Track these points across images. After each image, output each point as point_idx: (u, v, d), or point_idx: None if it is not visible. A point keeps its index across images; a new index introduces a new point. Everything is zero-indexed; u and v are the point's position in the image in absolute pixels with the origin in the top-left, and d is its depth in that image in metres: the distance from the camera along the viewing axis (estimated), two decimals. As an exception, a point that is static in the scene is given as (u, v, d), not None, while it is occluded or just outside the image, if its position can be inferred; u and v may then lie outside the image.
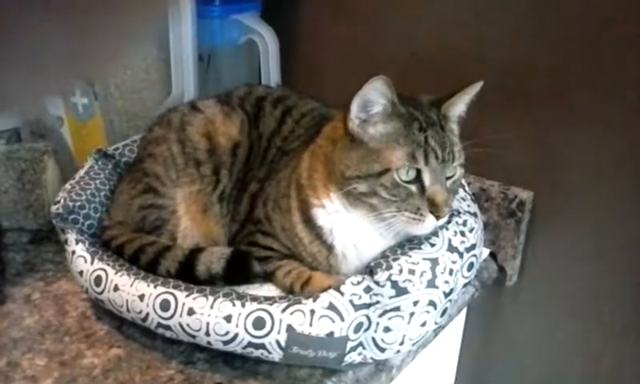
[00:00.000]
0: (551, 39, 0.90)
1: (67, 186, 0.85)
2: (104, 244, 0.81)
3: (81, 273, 0.75)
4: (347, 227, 0.72)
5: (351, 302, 0.65)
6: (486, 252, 1.01)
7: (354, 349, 0.67)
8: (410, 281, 0.66)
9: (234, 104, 0.84)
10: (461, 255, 0.72)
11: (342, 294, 0.65)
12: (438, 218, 0.67)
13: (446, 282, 0.69)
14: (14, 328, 0.78)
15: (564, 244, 0.97)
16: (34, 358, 0.72)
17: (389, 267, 0.66)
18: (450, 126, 0.72)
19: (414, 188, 0.67)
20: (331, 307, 0.65)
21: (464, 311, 1.07)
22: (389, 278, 0.65)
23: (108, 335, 0.77)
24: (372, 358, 0.69)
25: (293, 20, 1.21)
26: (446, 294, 0.69)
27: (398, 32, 1.05)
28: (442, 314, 0.71)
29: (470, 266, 0.78)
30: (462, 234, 0.74)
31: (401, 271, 0.66)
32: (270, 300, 0.67)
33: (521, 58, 0.93)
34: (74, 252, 0.77)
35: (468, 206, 0.80)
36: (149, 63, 1.01)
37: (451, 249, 0.71)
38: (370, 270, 0.66)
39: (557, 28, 0.89)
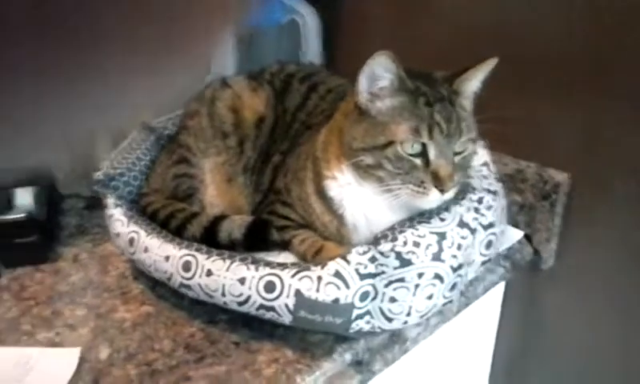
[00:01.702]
0: (594, 16, 0.87)
1: (111, 155, 0.91)
2: (141, 209, 0.87)
3: (117, 235, 0.82)
4: (357, 199, 0.74)
5: (357, 270, 0.67)
6: (519, 234, 0.99)
7: (360, 317, 0.69)
8: (414, 253, 0.67)
9: (263, 80, 0.87)
10: (473, 231, 0.73)
11: (348, 262, 0.67)
12: (442, 191, 0.68)
13: (454, 256, 0.70)
14: (62, 283, 0.85)
15: (602, 230, 0.94)
16: (75, 309, 0.80)
17: (394, 239, 0.68)
18: (461, 101, 0.72)
19: (418, 161, 0.68)
20: (337, 275, 0.67)
21: (499, 294, 1.07)
22: (392, 249, 0.67)
23: (141, 294, 0.83)
24: (380, 328, 0.71)
25: (337, 1, 1.23)
26: (454, 269, 0.70)
27: (443, 10, 1.05)
28: (452, 289, 0.72)
29: (489, 244, 0.79)
30: (477, 210, 0.74)
31: (405, 243, 0.67)
32: (282, 266, 0.70)
33: (563, 35, 0.91)
34: (112, 215, 0.83)
35: (489, 184, 0.80)
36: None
37: (462, 224, 0.71)
38: (376, 241, 0.68)
39: (600, 3, 0.86)
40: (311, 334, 0.74)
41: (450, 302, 0.74)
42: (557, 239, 0.99)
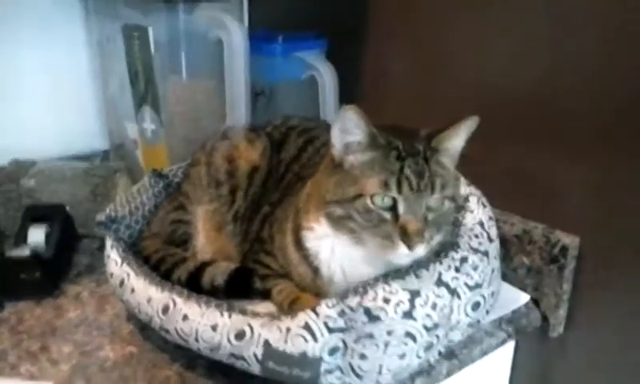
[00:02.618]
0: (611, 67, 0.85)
1: (117, 199, 0.95)
2: (138, 252, 0.89)
3: (111, 275, 0.84)
4: (334, 251, 0.74)
5: (326, 324, 0.66)
6: (525, 297, 0.95)
7: (330, 371, 0.67)
8: (382, 309, 0.65)
9: (261, 132, 0.89)
10: (452, 291, 0.70)
11: (317, 314, 0.66)
12: (409, 247, 0.66)
13: (428, 315, 0.67)
14: (58, 319, 0.88)
15: (615, 296, 0.89)
16: (63, 345, 0.82)
17: (363, 293, 0.66)
18: (438, 158, 0.71)
19: (387, 215, 0.67)
20: (306, 327, 0.66)
21: (506, 360, 1.02)
22: (360, 304, 0.65)
23: (130, 334, 0.84)
24: (351, 384, 0.69)
25: (359, 58, 1.25)
26: (428, 328, 0.68)
27: (456, 69, 1.05)
28: (427, 349, 0.69)
29: (476, 306, 0.76)
30: (457, 269, 0.72)
31: (375, 298, 0.66)
32: (255, 315, 0.70)
33: (578, 90, 0.88)
34: (108, 256, 0.86)
35: (479, 243, 0.78)
36: (209, 94, 1.11)
37: (439, 283, 0.69)
38: (344, 294, 0.67)
39: (619, 68, 0.84)
40: (285, 386, 0.72)
41: (428, 363, 0.71)
42: (566, 305, 0.94)
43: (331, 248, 0.74)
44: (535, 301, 0.96)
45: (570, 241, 0.90)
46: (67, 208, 1.08)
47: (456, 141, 0.72)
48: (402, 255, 0.67)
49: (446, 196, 0.70)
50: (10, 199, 1.10)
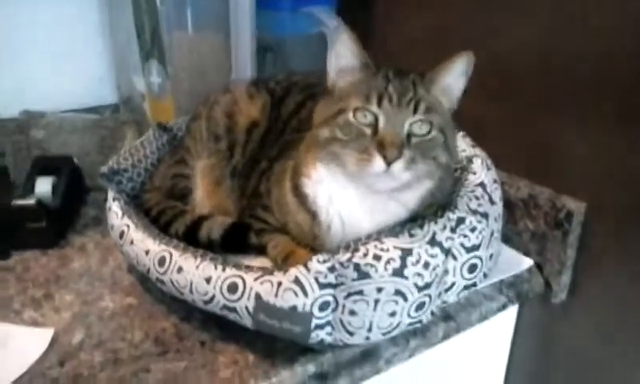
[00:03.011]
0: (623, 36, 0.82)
1: (121, 151, 0.95)
2: (140, 205, 0.90)
3: (112, 227, 0.85)
4: (331, 197, 0.74)
5: (316, 279, 0.66)
6: (528, 262, 0.94)
7: (320, 327, 0.68)
8: (372, 266, 0.65)
9: (264, 87, 0.88)
10: (446, 251, 0.69)
11: (308, 270, 0.66)
12: (385, 158, 0.65)
13: (418, 274, 0.67)
14: (62, 268, 0.90)
15: (620, 264, 0.87)
16: (65, 294, 0.83)
17: (355, 250, 0.66)
18: (428, 86, 0.71)
19: (367, 130, 0.68)
20: (296, 281, 0.66)
21: (509, 324, 1.01)
22: (350, 260, 0.65)
23: (130, 285, 0.85)
24: (342, 341, 0.70)
25: (369, 17, 1.22)
26: (420, 287, 0.67)
27: (478, 30, 1.02)
28: (419, 309, 0.69)
29: (473, 268, 0.75)
30: (453, 230, 0.71)
31: (365, 255, 0.65)
32: (248, 268, 0.71)
33: (592, 54, 0.85)
34: (109, 208, 0.86)
35: (478, 205, 0.76)
36: (215, 48, 1.10)
37: (433, 242, 0.69)
38: (336, 250, 0.67)
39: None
40: (279, 341, 0.73)
41: (420, 322, 0.71)
42: (570, 272, 0.93)
43: (328, 193, 0.74)
44: (539, 266, 0.95)
45: (576, 207, 0.89)
46: (75, 160, 1.09)
47: (448, 77, 0.71)
48: (379, 169, 0.66)
49: (432, 122, 0.68)
50: (19, 150, 1.11)
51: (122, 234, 0.82)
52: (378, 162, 0.65)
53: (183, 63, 1.08)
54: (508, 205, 0.96)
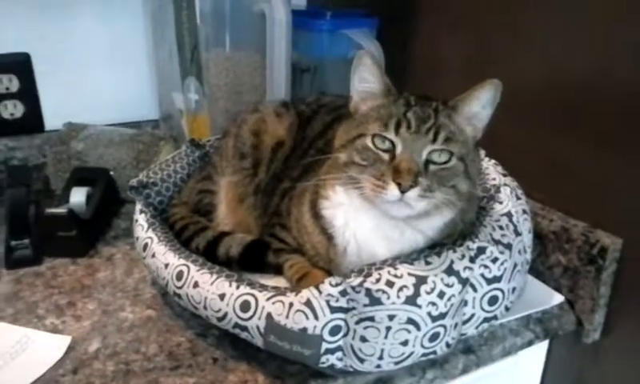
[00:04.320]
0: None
1: (152, 165, 0.97)
2: (166, 219, 0.91)
3: (137, 239, 0.86)
4: (348, 220, 0.73)
5: (328, 302, 0.65)
6: (558, 298, 0.90)
7: (331, 351, 0.66)
8: (384, 292, 0.64)
9: (293, 107, 0.89)
10: (463, 281, 0.67)
11: (320, 292, 0.65)
12: (399, 186, 0.63)
13: (432, 303, 0.65)
14: (88, 278, 0.91)
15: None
16: (88, 302, 0.85)
17: (367, 274, 0.65)
18: (451, 114, 0.69)
19: (385, 156, 0.67)
20: (307, 303, 0.65)
21: (538, 362, 0.97)
22: (362, 284, 0.64)
23: (151, 298, 0.86)
24: (352, 367, 0.68)
25: (408, 39, 1.21)
26: (433, 317, 0.65)
27: (510, 55, 1.00)
28: (433, 339, 0.67)
29: (493, 300, 0.73)
30: (472, 259, 0.68)
31: (378, 280, 0.64)
32: (263, 287, 0.70)
33: (631, 86, 0.82)
34: (136, 220, 0.88)
35: (502, 235, 0.74)
36: (251, 67, 1.11)
37: (450, 271, 0.66)
38: (349, 274, 0.66)
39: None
40: (290, 363, 0.72)
41: (434, 353, 0.69)
42: (604, 311, 0.88)
43: (345, 217, 0.73)
44: (570, 303, 0.91)
45: (611, 242, 0.85)
46: (111, 172, 1.11)
47: (474, 105, 0.69)
48: (393, 197, 0.64)
49: (452, 151, 0.67)
50: (60, 160, 1.15)
51: (145, 247, 0.83)
52: (393, 190, 0.64)
53: (220, 81, 1.10)
54: (540, 237, 0.93)
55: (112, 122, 1.28)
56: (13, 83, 1.18)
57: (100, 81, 1.31)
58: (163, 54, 1.23)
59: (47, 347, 0.74)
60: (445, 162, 0.67)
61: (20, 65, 1.18)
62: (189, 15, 1.08)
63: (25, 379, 0.69)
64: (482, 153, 0.89)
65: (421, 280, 0.65)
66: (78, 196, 1.00)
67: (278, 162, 0.86)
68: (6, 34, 1.17)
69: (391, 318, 0.64)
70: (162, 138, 1.15)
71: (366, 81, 0.71)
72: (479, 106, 0.69)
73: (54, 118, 1.24)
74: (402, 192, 0.64)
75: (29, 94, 1.21)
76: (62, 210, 0.95)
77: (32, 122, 1.22)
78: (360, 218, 0.72)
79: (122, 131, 1.18)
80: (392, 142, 0.66)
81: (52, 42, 1.22)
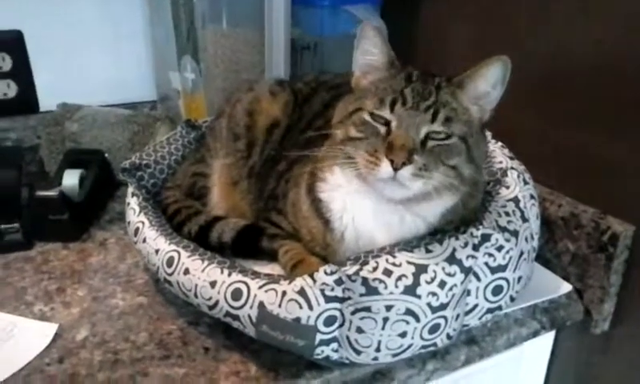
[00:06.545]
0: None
1: (146, 147, 0.94)
2: (159, 202, 0.88)
3: (129, 223, 0.83)
4: (346, 204, 0.70)
5: (322, 291, 0.62)
6: (566, 287, 0.87)
7: (326, 343, 0.63)
8: (381, 282, 0.60)
9: (289, 86, 0.85)
10: (466, 270, 0.64)
11: (314, 281, 0.62)
12: (392, 162, 0.60)
13: (433, 293, 0.61)
14: (79, 263, 0.89)
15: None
16: (78, 288, 0.82)
17: (364, 263, 0.61)
18: (455, 91, 0.65)
19: (381, 129, 0.63)
20: (301, 292, 0.62)
21: (544, 353, 0.94)
22: (357, 273, 0.60)
23: (143, 284, 0.84)
24: (348, 359, 0.65)
25: (413, 17, 1.17)
26: (434, 308, 0.62)
27: (519, 33, 0.96)
28: (433, 331, 0.64)
29: (497, 290, 0.69)
30: (475, 247, 0.65)
31: (375, 269, 0.61)
32: (255, 275, 0.67)
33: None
34: (128, 204, 0.85)
35: (508, 222, 0.70)
36: (250, 46, 1.07)
37: (451, 260, 0.63)
38: (345, 262, 0.62)
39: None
40: (285, 354, 0.69)
41: (434, 345, 0.65)
42: (614, 300, 0.85)
43: (343, 200, 0.70)
44: (578, 292, 0.87)
45: (623, 229, 0.81)
46: (106, 154, 1.08)
47: (480, 84, 0.64)
48: (386, 174, 0.61)
49: (452, 131, 0.63)
50: (53, 142, 1.12)
51: (136, 231, 0.80)
52: (385, 167, 0.60)
53: (217, 59, 1.06)
54: (547, 223, 0.89)
55: (109, 104, 1.24)
56: (5, 62, 1.15)
57: (96, 61, 1.27)
58: (160, 33, 1.19)
59: (33, 335, 0.72)
60: (443, 139, 0.63)
61: (13, 42, 1.15)
62: (185, -9, 1.04)
63: (9, 368, 0.66)
64: (488, 135, 0.85)
65: (421, 269, 0.61)
66: (71, 178, 0.97)
67: (274, 143, 0.82)
68: (-2, 11, 1.14)
69: (389, 308, 0.61)
70: (158, 119, 1.11)
71: (369, 53, 0.67)
72: (488, 86, 0.64)
73: (48, 98, 1.20)
74: (395, 170, 0.60)
75: (22, 73, 1.17)
76: (53, 193, 0.92)
77: (26, 102, 1.19)
78: (358, 202, 0.68)
79: (117, 112, 1.15)
80: (388, 121, 0.63)
81: (46, 20, 1.18)
